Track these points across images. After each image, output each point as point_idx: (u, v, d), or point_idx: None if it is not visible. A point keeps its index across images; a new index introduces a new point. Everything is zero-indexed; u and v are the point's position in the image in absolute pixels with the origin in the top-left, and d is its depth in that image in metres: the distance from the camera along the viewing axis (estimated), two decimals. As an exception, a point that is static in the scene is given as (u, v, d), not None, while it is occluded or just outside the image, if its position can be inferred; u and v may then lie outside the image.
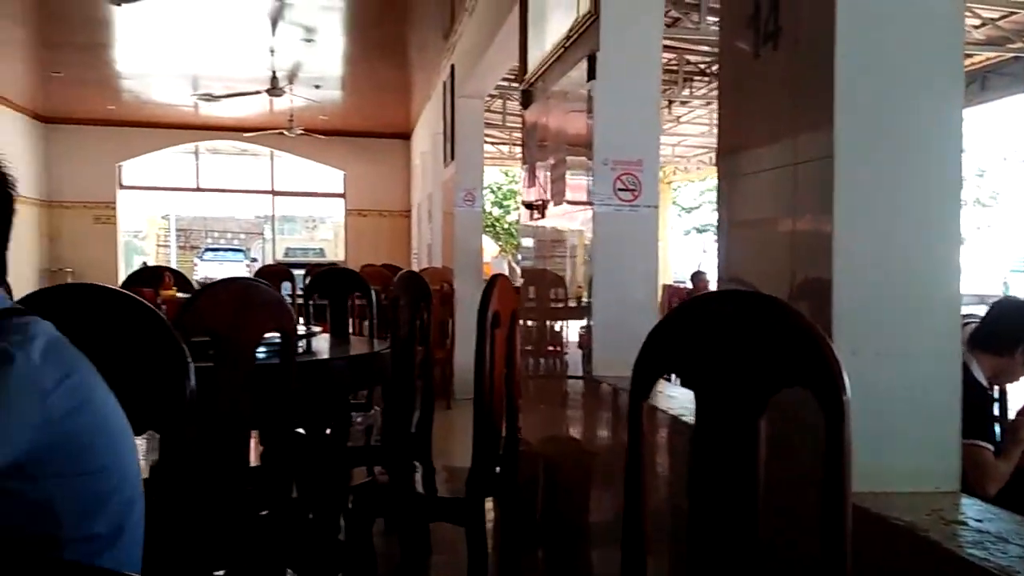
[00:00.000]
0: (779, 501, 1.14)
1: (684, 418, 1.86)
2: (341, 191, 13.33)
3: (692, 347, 1.15)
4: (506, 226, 21.93)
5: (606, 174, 2.66)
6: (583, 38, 2.87)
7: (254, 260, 21.08)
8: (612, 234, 2.65)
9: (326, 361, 2.70)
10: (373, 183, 13.00)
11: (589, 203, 2.73)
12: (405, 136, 12.72)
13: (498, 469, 2.29)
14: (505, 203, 21.90)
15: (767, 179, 1.59)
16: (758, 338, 1.06)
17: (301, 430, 2.68)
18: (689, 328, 1.17)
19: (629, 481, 1.21)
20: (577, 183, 3.04)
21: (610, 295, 2.63)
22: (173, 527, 1.30)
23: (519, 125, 12.72)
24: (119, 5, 6.45)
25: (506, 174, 20.91)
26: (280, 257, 15.68)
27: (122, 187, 12.47)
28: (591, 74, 2.74)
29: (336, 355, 2.86)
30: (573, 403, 3.22)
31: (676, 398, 2.03)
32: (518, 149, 13.48)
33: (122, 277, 12.13)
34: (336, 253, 18.28)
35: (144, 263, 15.92)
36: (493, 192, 21.26)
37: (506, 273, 15.96)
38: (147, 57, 8.47)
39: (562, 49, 3.07)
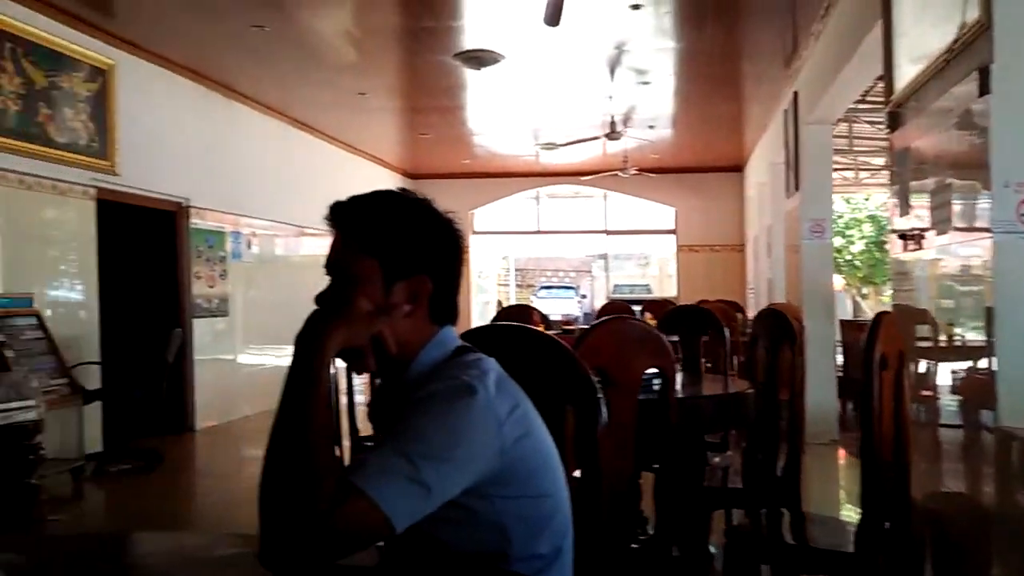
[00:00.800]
0: None
1: None
2: (671, 227, 13.42)
3: None
4: (848, 257, 20.34)
5: (1007, 197, 2.34)
6: (970, 50, 2.59)
7: (584, 297, 22.07)
8: (1017, 264, 2.32)
9: (689, 399, 2.70)
10: (704, 218, 12.91)
11: (985, 230, 2.42)
12: (737, 169, 12.47)
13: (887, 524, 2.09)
14: (848, 233, 20.32)
15: None
16: None
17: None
18: None
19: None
20: (963, 209, 2.73)
21: (1019, 335, 2.30)
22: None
23: (868, 150, 11.71)
24: (478, 70, 7.20)
25: (847, 201, 19.42)
26: (610, 294, 16.19)
27: (475, 233, 13.81)
28: (983, 88, 2.46)
29: (697, 393, 2.85)
30: (960, 455, 2.86)
31: None
32: (864, 174, 12.55)
33: (473, 315, 13.37)
34: (661, 289, 18.39)
35: (499, 302, 17.40)
36: (834, 222, 19.84)
37: (850, 310, 14.66)
38: (496, 114, 9.33)
39: (943, 63, 2.79)
